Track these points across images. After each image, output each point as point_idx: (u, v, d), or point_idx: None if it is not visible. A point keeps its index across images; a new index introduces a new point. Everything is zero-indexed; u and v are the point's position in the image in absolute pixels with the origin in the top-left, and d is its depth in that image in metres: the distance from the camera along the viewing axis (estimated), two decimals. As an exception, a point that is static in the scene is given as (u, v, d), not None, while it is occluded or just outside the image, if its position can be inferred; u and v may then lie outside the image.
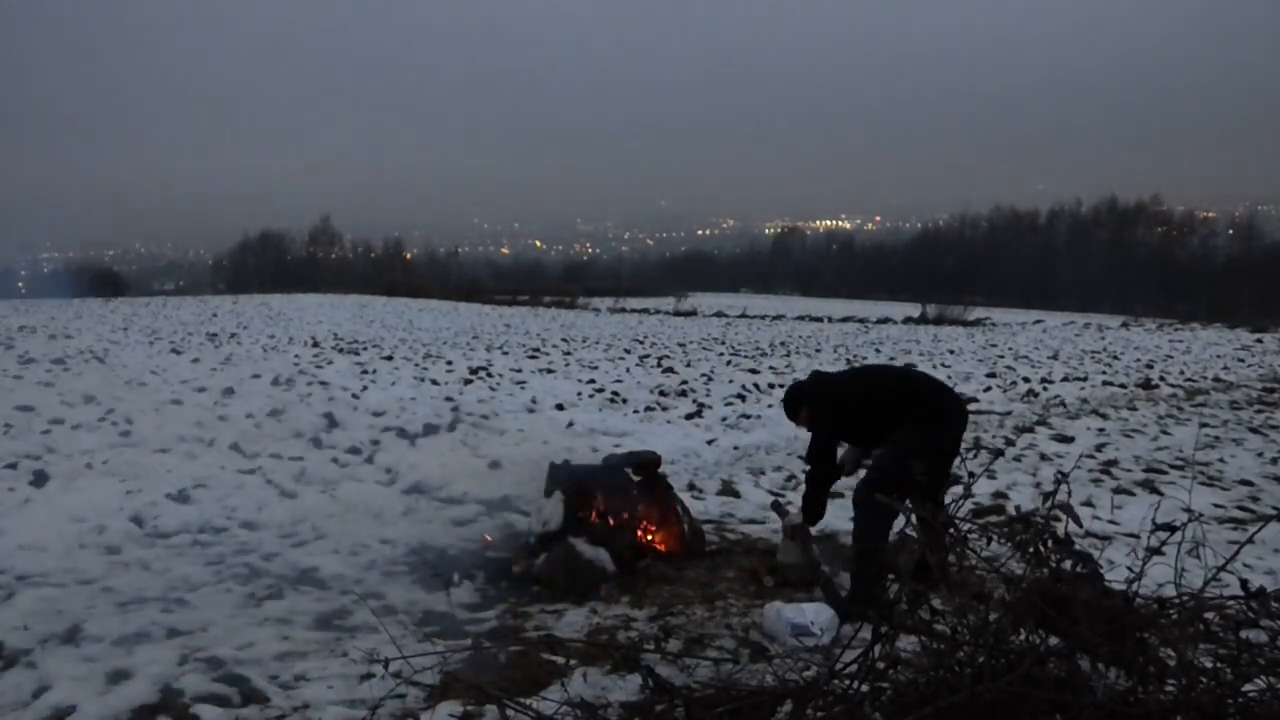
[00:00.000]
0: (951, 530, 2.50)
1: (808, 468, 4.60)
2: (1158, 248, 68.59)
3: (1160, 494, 6.55)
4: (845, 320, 34.06)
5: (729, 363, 16.34)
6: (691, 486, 6.57)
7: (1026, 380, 14.08)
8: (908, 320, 33.63)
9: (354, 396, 10.37)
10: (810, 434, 4.58)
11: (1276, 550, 5.23)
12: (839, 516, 5.90)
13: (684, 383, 12.77)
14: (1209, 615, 2.26)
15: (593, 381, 12.62)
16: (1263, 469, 7.68)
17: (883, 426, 4.30)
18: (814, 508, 4.53)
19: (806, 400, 4.58)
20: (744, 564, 4.78)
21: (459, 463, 7.06)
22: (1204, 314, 38.05)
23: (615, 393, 11.50)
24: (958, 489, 2.54)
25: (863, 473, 4.56)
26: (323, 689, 3.19)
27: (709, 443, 8.40)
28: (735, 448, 8.27)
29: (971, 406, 11.22)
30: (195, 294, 51.57)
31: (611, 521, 4.69)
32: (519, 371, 13.75)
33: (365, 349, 17.38)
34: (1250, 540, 2.57)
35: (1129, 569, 2.38)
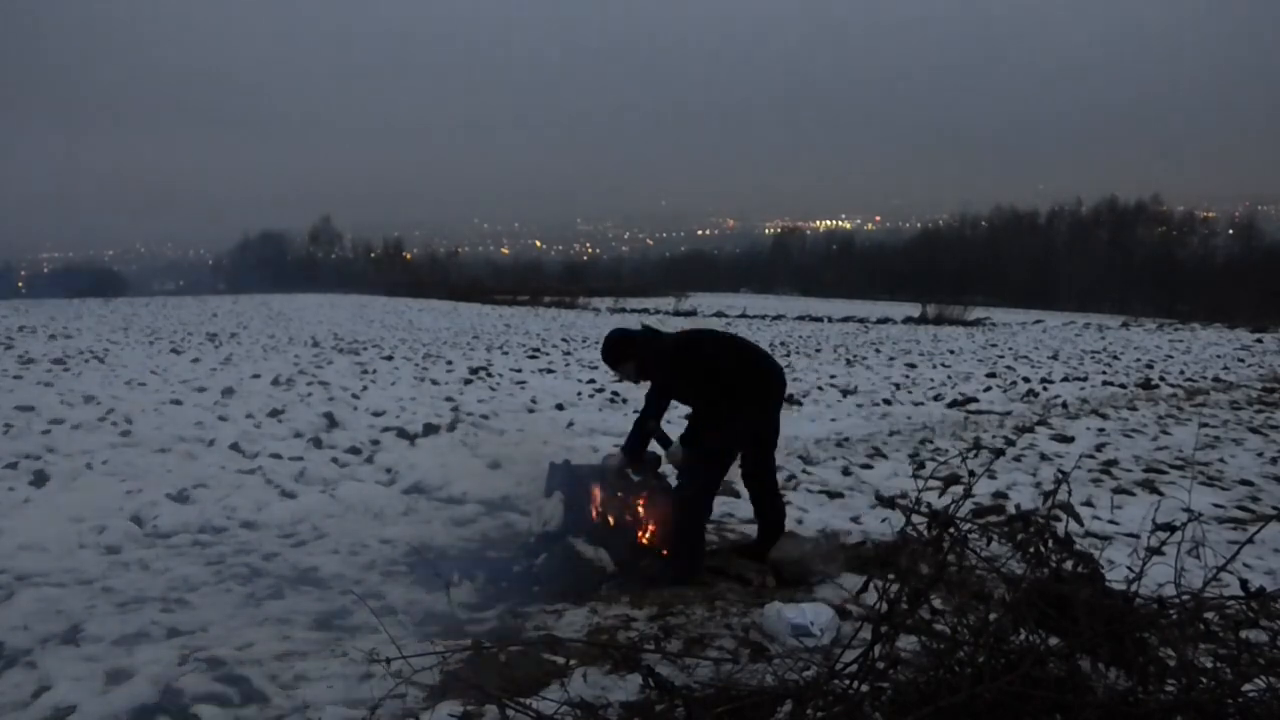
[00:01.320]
0: (951, 529, 2.50)
1: (641, 415, 4.83)
2: (1158, 248, 68.54)
3: (1160, 494, 6.55)
4: (845, 320, 34.06)
5: (729, 363, 16.31)
6: (691, 486, 6.55)
7: (1026, 380, 14.08)
8: (908, 320, 33.63)
9: (354, 396, 10.37)
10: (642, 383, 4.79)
11: (1277, 550, 5.23)
12: (838, 515, 5.92)
13: (684, 383, 12.75)
14: (1209, 615, 2.26)
15: (593, 381, 12.62)
16: (1263, 469, 7.68)
17: (711, 397, 4.61)
18: (637, 451, 4.81)
19: (635, 353, 4.66)
20: (744, 564, 4.77)
21: (459, 463, 7.06)
22: (1204, 314, 38.02)
23: (615, 393, 11.50)
24: (958, 489, 2.54)
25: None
26: (323, 689, 3.18)
27: (709, 443, 8.39)
28: (735, 448, 8.25)
29: (971, 406, 11.22)
30: (195, 294, 51.59)
31: (611, 521, 4.69)
32: (519, 371, 13.75)
33: (365, 349, 17.39)
34: (1250, 540, 2.57)
35: (1129, 569, 2.38)
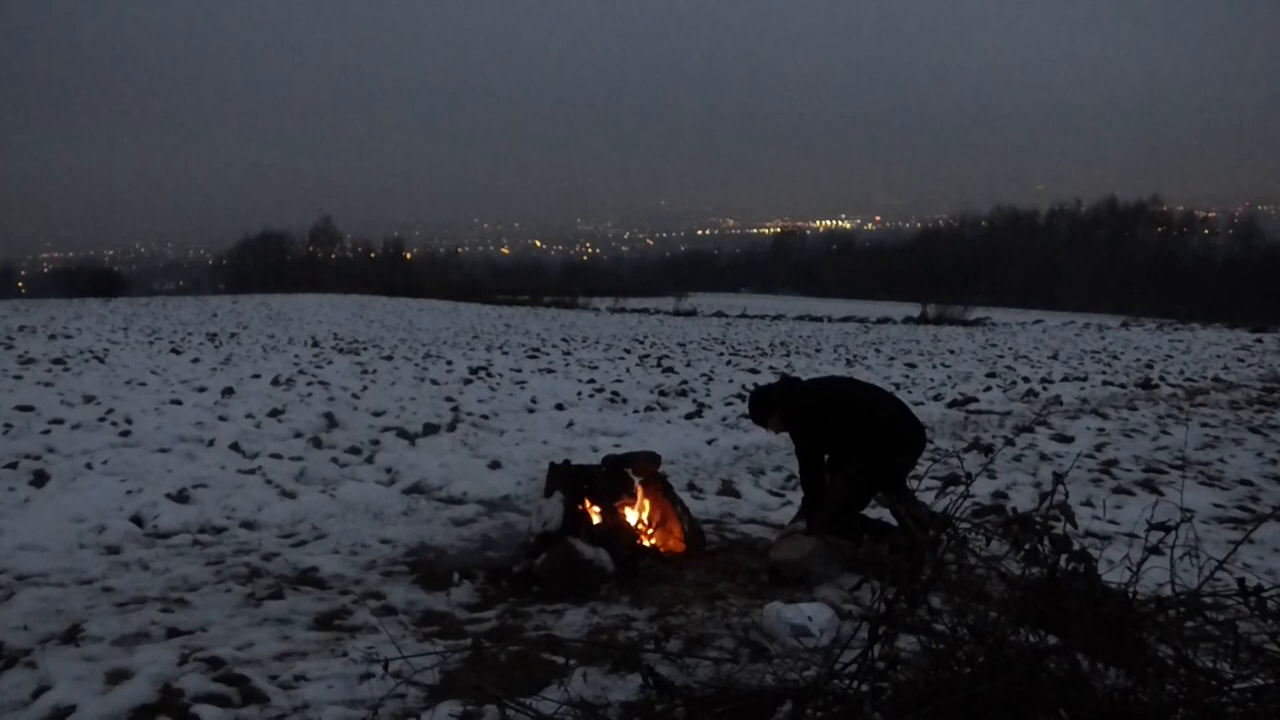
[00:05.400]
0: (950, 530, 2.50)
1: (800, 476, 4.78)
2: (1158, 248, 68.57)
3: (1160, 494, 6.55)
4: (845, 320, 34.06)
5: (729, 363, 16.35)
6: (691, 486, 6.57)
7: (1026, 380, 14.08)
8: (908, 320, 33.62)
9: (354, 396, 10.37)
10: (793, 442, 4.77)
11: (1276, 550, 5.23)
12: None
13: (684, 383, 12.77)
14: (1207, 613, 2.27)
15: (593, 381, 12.63)
16: (1263, 469, 7.68)
17: (847, 444, 4.58)
18: (813, 514, 4.67)
19: (778, 406, 4.73)
20: (744, 564, 4.78)
21: (459, 463, 7.06)
22: (1204, 314, 38.01)
23: (615, 393, 11.50)
24: (959, 488, 2.54)
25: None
26: (323, 689, 3.19)
27: (709, 443, 8.40)
28: (735, 448, 8.26)
29: (971, 406, 11.22)
30: (195, 294, 51.62)
31: (611, 521, 4.69)
32: (519, 371, 13.75)
33: (365, 349, 17.39)
34: (1248, 539, 2.57)
35: (1128, 569, 2.38)
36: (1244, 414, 10.92)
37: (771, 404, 4.74)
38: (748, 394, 4.94)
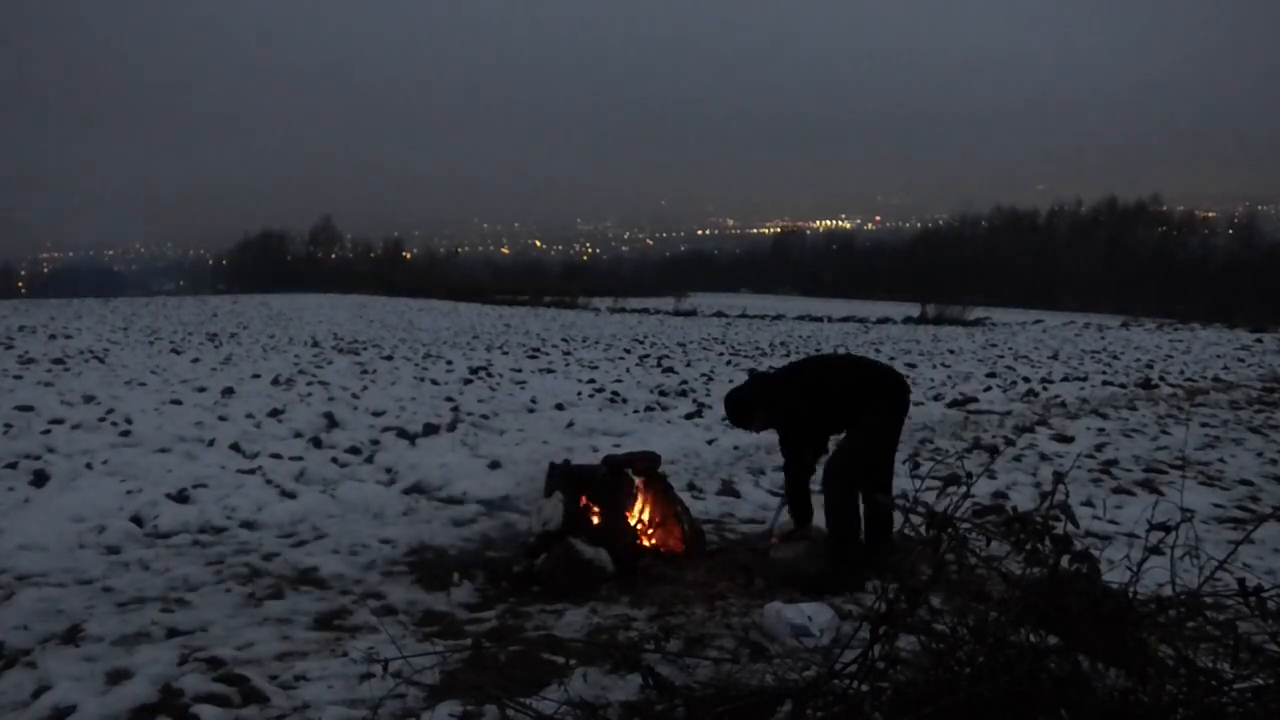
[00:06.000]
0: (950, 530, 2.50)
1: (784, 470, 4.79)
2: (1158, 248, 68.51)
3: (1160, 494, 6.55)
4: (845, 320, 34.05)
5: (729, 363, 16.35)
6: (691, 486, 6.56)
7: (1026, 380, 14.08)
8: (908, 320, 33.62)
9: (354, 396, 10.37)
10: (777, 436, 4.76)
11: (1276, 550, 5.23)
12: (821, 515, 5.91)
13: (684, 383, 12.77)
14: (1207, 613, 2.26)
15: (593, 381, 12.63)
16: (1263, 469, 7.68)
17: (840, 417, 4.52)
18: (800, 508, 4.73)
19: (757, 405, 4.68)
20: (744, 564, 4.78)
21: (459, 463, 7.06)
22: (1204, 314, 37.98)
23: (615, 393, 11.50)
24: (959, 488, 2.54)
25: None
26: (323, 689, 3.19)
27: (709, 443, 8.40)
28: (735, 448, 8.26)
29: (971, 406, 11.22)
30: (195, 294, 51.65)
31: (611, 521, 4.69)
32: (519, 371, 13.75)
33: (365, 349, 17.39)
34: (1248, 539, 2.57)
35: (1128, 569, 2.38)
36: (1244, 414, 10.93)
37: (751, 404, 4.68)
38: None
